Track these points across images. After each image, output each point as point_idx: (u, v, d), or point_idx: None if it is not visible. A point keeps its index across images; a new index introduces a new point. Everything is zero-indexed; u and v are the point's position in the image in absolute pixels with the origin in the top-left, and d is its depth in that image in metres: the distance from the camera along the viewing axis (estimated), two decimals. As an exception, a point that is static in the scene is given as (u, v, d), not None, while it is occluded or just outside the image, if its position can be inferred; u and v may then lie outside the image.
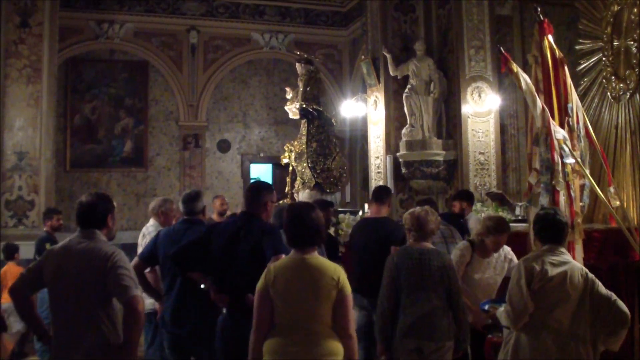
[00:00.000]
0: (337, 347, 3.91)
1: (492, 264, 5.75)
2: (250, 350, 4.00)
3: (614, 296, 4.42)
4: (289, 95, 10.87)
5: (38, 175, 11.95)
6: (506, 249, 5.91)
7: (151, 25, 16.41)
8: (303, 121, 10.27)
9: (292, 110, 10.64)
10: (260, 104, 17.69)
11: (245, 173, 17.55)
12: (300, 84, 10.43)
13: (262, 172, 17.94)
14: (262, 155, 17.73)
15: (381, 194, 6.99)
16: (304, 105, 10.00)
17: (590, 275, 4.47)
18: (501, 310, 4.60)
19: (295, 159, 10.10)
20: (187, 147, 16.85)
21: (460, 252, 5.72)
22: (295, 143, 10.28)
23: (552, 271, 4.32)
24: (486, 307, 5.26)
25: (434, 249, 5.11)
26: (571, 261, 4.49)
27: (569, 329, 4.34)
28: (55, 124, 13.35)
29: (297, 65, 10.68)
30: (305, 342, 3.87)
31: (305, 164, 9.86)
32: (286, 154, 10.36)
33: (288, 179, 10.39)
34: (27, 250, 9.38)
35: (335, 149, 10.18)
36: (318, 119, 10.01)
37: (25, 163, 11.86)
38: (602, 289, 4.42)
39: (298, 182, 10.03)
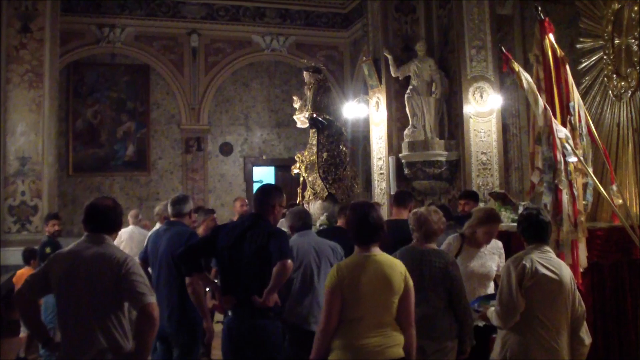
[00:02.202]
0: (401, 336, 4.15)
1: (483, 254, 5.78)
2: (315, 348, 4.13)
3: (583, 317, 4.49)
4: (296, 104, 10.75)
5: (41, 180, 11.97)
6: (499, 243, 5.97)
7: (152, 29, 16.43)
8: (312, 130, 10.15)
9: (301, 119, 10.53)
10: (261, 107, 17.70)
11: (248, 176, 17.56)
12: (309, 93, 10.31)
13: (264, 174, 17.95)
14: (264, 157, 17.74)
15: (401, 197, 7.15)
16: (314, 115, 9.90)
17: (574, 279, 4.57)
18: (492, 310, 4.64)
19: (306, 169, 10.00)
20: (189, 150, 16.86)
21: (447, 241, 5.80)
22: (306, 153, 10.16)
23: (542, 269, 4.36)
24: (476, 305, 5.26)
25: (435, 249, 5.10)
26: (559, 260, 4.59)
27: (564, 327, 4.38)
28: (57, 129, 13.39)
29: (305, 73, 10.56)
30: (376, 334, 4.06)
31: (316, 175, 9.77)
32: (297, 164, 10.24)
33: (299, 190, 10.29)
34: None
35: (346, 158, 10.08)
36: (328, 128, 9.91)
37: (27, 168, 11.88)
38: (577, 299, 4.49)
39: (308, 193, 9.92)
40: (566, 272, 4.47)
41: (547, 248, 4.56)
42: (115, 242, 4.57)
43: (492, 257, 5.84)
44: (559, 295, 4.36)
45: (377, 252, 4.22)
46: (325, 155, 9.78)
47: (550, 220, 4.80)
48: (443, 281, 4.88)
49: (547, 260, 4.43)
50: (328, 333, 4.06)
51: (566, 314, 4.39)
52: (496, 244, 5.94)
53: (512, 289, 4.37)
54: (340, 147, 9.99)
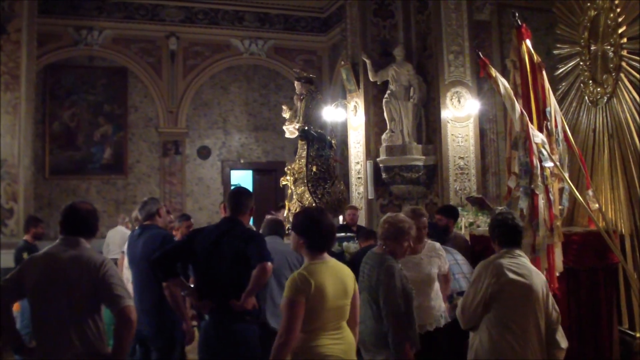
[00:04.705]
0: (352, 336, 4.19)
1: (420, 261, 5.67)
2: None
3: (559, 320, 4.53)
4: (286, 114, 10.56)
5: (17, 182, 11.81)
6: (436, 245, 5.93)
7: (130, 31, 16.37)
8: (302, 142, 9.96)
9: (290, 129, 10.32)
10: (240, 110, 17.69)
11: (226, 179, 17.53)
12: (299, 103, 10.10)
13: (242, 178, 17.93)
14: (242, 161, 17.71)
15: None
16: (306, 128, 9.73)
17: (547, 284, 4.59)
18: (458, 309, 4.67)
19: (295, 181, 9.85)
20: (167, 153, 16.80)
21: None
22: (295, 166, 9.98)
23: (511, 274, 4.38)
24: (454, 295, 5.24)
25: (378, 253, 4.96)
26: (530, 265, 4.59)
27: (533, 332, 4.40)
28: (33, 131, 13.26)
29: (297, 83, 10.32)
30: (337, 341, 4.03)
31: (304, 188, 9.62)
32: (287, 176, 10.04)
33: (287, 202, 10.13)
34: (5, 259, 9.29)
35: (334, 172, 9.91)
36: (318, 141, 9.72)
37: (3, 171, 11.72)
38: (551, 303, 4.52)
39: (295, 205, 9.76)
40: (537, 278, 4.49)
41: (519, 252, 4.58)
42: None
43: (430, 261, 5.75)
44: (527, 300, 4.38)
45: (329, 258, 4.18)
46: (314, 168, 9.58)
47: (523, 225, 4.84)
48: (370, 286, 4.82)
49: (518, 265, 4.44)
50: (290, 346, 3.90)
51: (535, 319, 4.40)
52: (433, 246, 5.87)
53: (475, 295, 4.45)
54: (329, 161, 9.78)
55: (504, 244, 4.59)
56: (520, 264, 4.47)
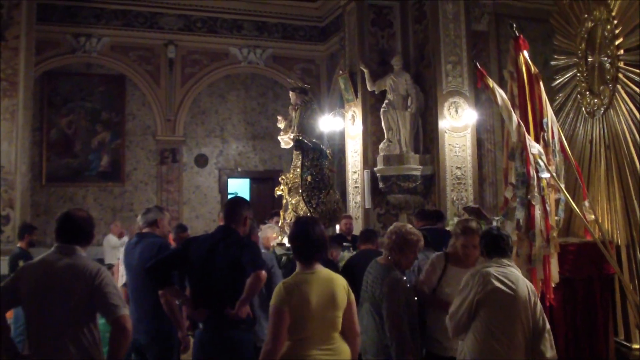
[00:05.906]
0: (347, 349, 4.12)
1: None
2: None
3: (546, 329, 4.55)
4: (281, 124, 10.52)
5: (13, 189, 11.81)
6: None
7: (128, 39, 16.35)
8: (297, 152, 9.94)
9: (285, 140, 10.28)
10: (238, 119, 17.68)
11: (223, 188, 17.51)
12: (294, 113, 10.07)
13: (239, 186, 17.91)
14: (239, 170, 17.70)
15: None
16: (300, 138, 9.71)
17: (535, 293, 4.63)
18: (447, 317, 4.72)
19: (289, 191, 9.81)
20: (164, 161, 16.77)
21: (430, 261, 5.58)
22: (290, 175, 9.92)
23: (496, 282, 4.44)
24: None
25: (383, 263, 5.02)
26: (518, 274, 4.63)
27: (520, 340, 4.44)
28: (31, 138, 13.27)
29: (291, 94, 10.26)
30: (325, 351, 3.99)
31: (299, 198, 9.60)
32: (282, 186, 10.02)
33: (282, 212, 10.10)
34: (2, 265, 9.28)
35: (329, 182, 9.87)
36: (313, 151, 9.69)
37: (0, 177, 11.72)
38: (538, 313, 4.54)
39: (290, 215, 9.72)
40: (523, 286, 4.51)
41: (507, 262, 4.62)
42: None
43: None
44: (512, 308, 4.43)
45: (320, 268, 4.15)
46: (309, 178, 9.53)
47: (509, 235, 4.92)
48: (374, 296, 4.83)
49: (504, 274, 4.50)
50: (276, 353, 3.91)
51: (522, 327, 4.44)
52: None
53: (462, 305, 4.51)
54: (324, 170, 9.74)
55: (491, 254, 4.68)
56: (508, 273, 4.52)
